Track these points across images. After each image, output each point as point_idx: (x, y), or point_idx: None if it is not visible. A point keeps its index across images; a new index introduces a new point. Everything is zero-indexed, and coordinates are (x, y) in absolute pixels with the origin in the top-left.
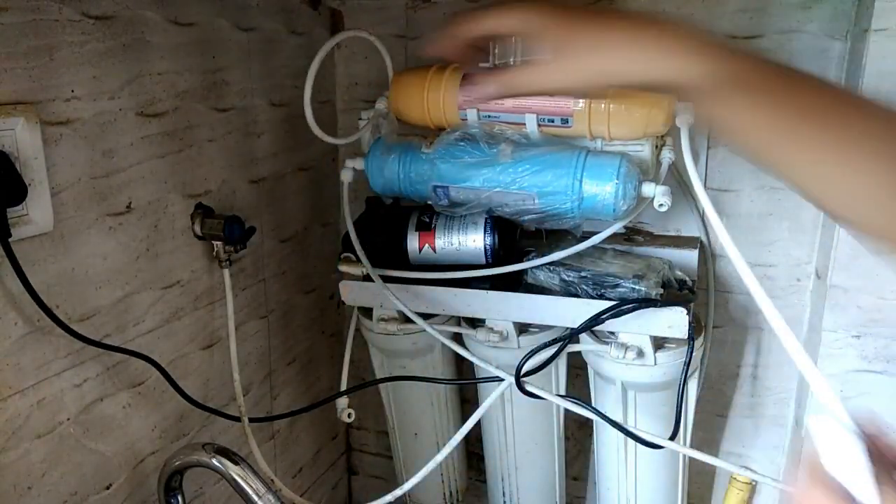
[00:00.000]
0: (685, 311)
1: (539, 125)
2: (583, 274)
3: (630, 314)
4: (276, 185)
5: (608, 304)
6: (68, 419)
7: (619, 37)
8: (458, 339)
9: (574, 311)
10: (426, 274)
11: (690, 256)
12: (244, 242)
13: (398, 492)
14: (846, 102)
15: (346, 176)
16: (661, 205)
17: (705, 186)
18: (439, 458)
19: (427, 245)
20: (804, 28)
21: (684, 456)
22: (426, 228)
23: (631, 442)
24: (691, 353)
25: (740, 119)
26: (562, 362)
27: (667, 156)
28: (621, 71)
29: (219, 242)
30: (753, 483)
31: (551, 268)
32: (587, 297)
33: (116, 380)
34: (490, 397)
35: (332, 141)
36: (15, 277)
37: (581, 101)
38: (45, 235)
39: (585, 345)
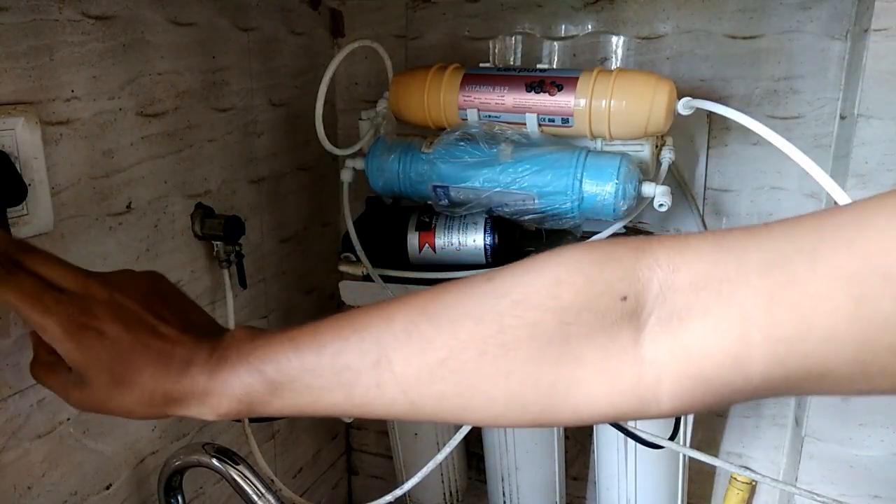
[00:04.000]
0: None
1: (539, 125)
2: None
3: None
4: (276, 185)
5: None
6: (68, 419)
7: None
8: None
9: None
10: (426, 274)
11: None
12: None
13: (398, 492)
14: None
15: (346, 176)
16: (661, 205)
17: (705, 186)
18: (439, 458)
19: (427, 245)
20: (804, 28)
21: (684, 456)
22: (426, 228)
23: (631, 442)
24: None
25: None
26: None
27: (667, 156)
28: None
29: (219, 242)
30: (753, 483)
31: None
32: None
33: None
34: None
35: (338, 152)
36: None
37: (582, 100)
38: (46, 235)
39: None
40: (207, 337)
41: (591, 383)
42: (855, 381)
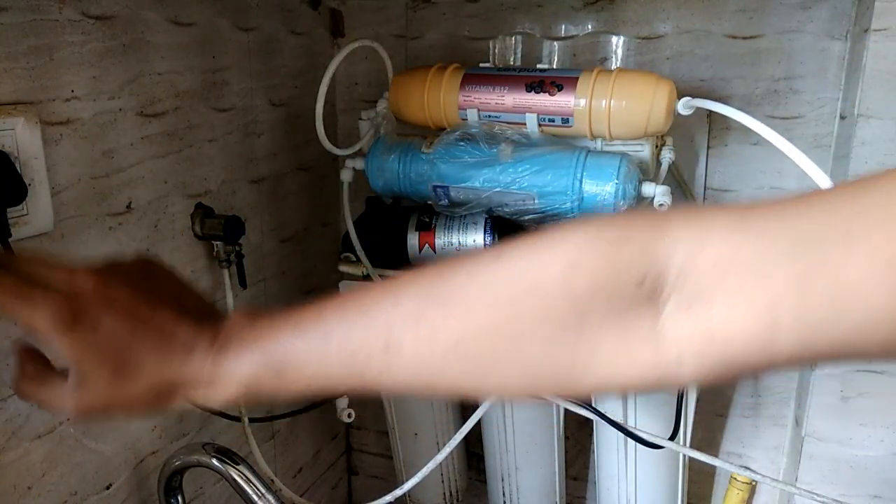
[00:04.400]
0: None
1: (539, 125)
2: None
3: None
4: (276, 185)
5: None
6: (68, 419)
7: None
8: None
9: None
10: None
11: None
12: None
13: (398, 492)
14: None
15: (346, 176)
16: (660, 205)
17: (705, 186)
18: (439, 458)
19: (427, 245)
20: (804, 28)
21: (684, 456)
22: (426, 228)
23: (631, 442)
24: None
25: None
26: None
27: (667, 156)
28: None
29: (219, 242)
30: (753, 483)
31: None
32: None
33: None
34: None
35: (338, 152)
36: None
37: (582, 100)
38: (45, 235)
39: None
40: (206, 321)
41: (611, 364)
42: (880, 356)
